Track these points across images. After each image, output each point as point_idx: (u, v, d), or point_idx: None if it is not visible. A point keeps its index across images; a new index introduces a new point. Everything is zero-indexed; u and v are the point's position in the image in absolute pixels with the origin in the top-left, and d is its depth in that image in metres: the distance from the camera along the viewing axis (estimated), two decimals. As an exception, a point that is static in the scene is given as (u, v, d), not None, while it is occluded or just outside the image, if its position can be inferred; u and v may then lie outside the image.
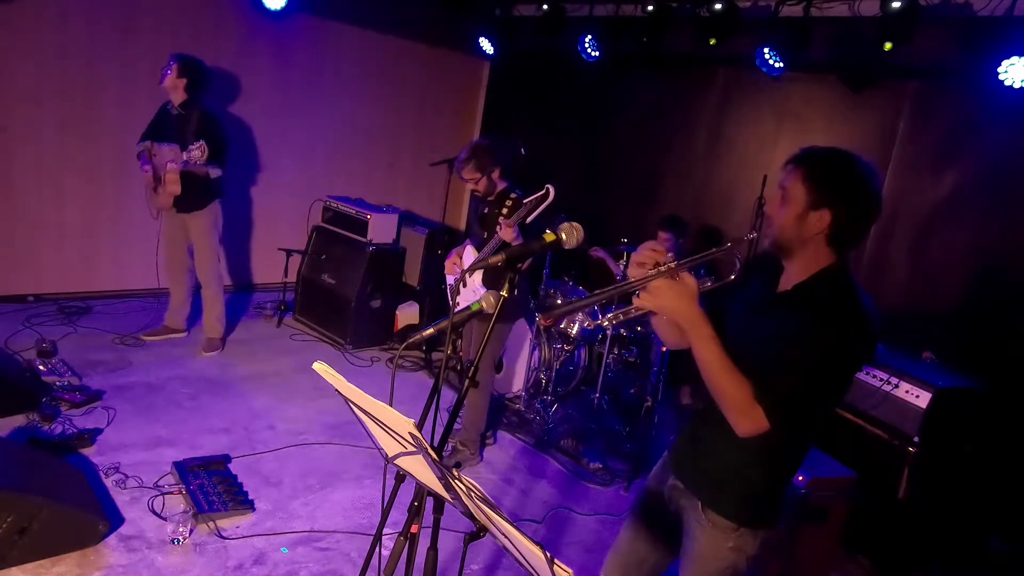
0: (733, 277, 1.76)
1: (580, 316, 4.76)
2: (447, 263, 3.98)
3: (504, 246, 3.50)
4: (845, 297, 1.69)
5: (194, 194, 4.57)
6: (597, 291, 1.70)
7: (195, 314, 5.10)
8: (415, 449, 1.46)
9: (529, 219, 3.45)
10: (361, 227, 5.54)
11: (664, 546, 2.02)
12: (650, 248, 1.72)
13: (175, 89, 4.52)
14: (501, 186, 3.82)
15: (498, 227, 3.54)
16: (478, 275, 3.75)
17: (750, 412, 1.62)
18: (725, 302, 1.87)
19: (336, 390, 1.57)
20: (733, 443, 1.74)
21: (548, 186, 3.40)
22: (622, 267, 4.84)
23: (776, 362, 1.63)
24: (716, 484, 1.83)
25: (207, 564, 2.86)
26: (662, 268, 1.68)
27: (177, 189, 4.50)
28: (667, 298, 1.66)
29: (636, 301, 1.70)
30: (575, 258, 4.96)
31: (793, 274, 1.77)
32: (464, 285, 3.80)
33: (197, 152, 4.29)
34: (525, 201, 3.42)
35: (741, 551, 1.81)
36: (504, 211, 3.68)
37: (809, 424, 1.79)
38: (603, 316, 1.82)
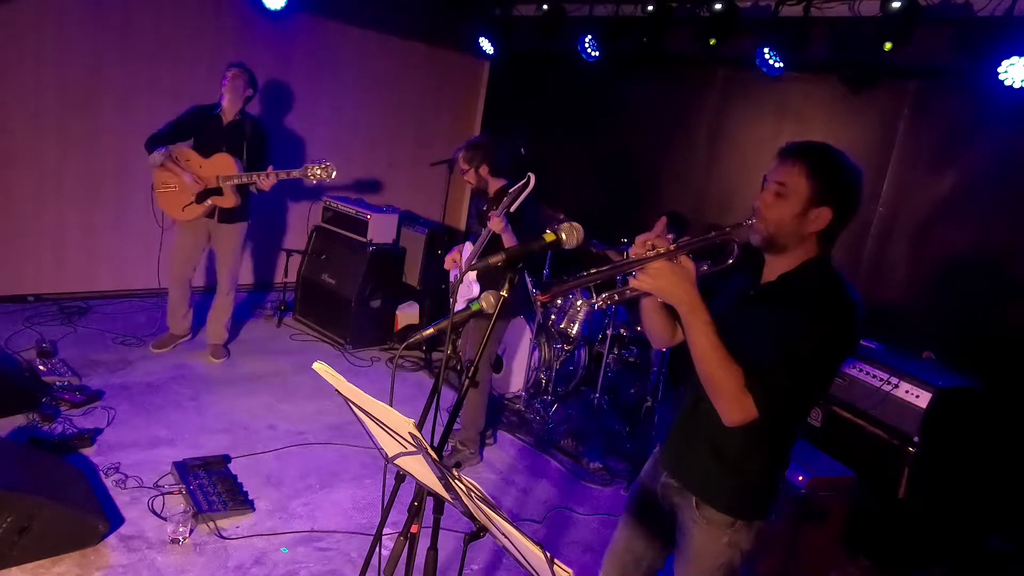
0: (731, 262, 1.74)
1: (582, 316, 4.76)
2: (447, 259, 4.00)
3: (495, 238, 3.53)
4: (834, 288, 1.70)
5: (242, 204, 4.55)
6: (594, 269, 1.67)
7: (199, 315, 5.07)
8: (415, 449, 1.46)
9: (513, 208, 3.45)
10: (361, 227, 5.54)
11: (660, 543, 2.03)
12: (654, 233, 1.70)
13: (238, 97, 4.43)
14: (498, 184, 3.84)
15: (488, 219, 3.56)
16: (474, 273, 3.76)
17: (741, 401, 1.62)
18: (711, 292, 1.86)
19: (336, 390, 1.57)
20: (724, 437, 1.74)
21: (529, 173, 3.42)
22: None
23: (768, 353, 1.62)
24: (709, 479, 1.83)
25: (207, 564, 2.86)
26: (661, 250, 1.66)
27: (237, 202, 4.47)
28: (666, 280, 1.63)
29: (633, 282, 1.67)
30: (575, 258, 4.96)
31: (778, 266, 1.77)
32: (461, 282, 3.82)
33: (271, 179, 4.29)
34: (509, 191, 3.43)
35: (736, 546, 1.82)
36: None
37: (797, 414, 1.80)
38: (597, 296, 1.78)
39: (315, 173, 4.32)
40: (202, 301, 5.21)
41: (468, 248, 3.94)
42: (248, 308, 6.02)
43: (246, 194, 4.56)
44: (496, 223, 3.43)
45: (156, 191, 4.52)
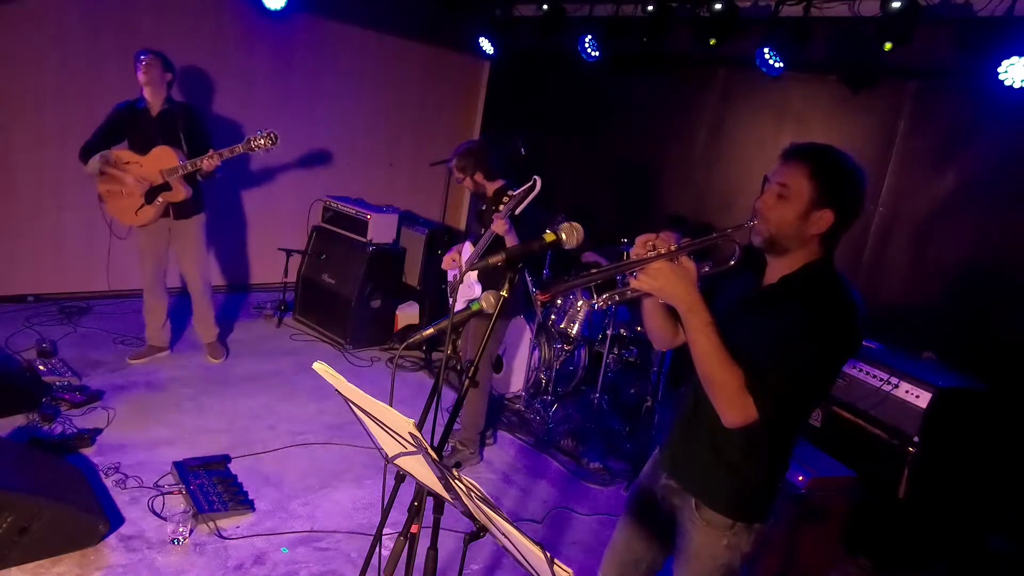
0: (732, 263, 1.73)
1: (582, 316, 4.76)
2: (445, 258, 4.00)
3: (497, 240, 3.53)
4: (835, 290, 1.69)
5: (195, 196, 4.35)
6: (595, 269, 1.67)
7: (176, 324, 4.94)
8: (415, 449, 1.46)
9: (518, 210, 3.46)
10: (361, 227, 5.54)
11: (659, 544, 2.02)
12: (655, 234, 1.70)
13: (159, 85, 4.18)
14: (496, 185, 3.85)
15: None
16: (474, 273, 3.77)
17: (740, 402, 1.61)
18: (713, 293, 1.86)
19: (336, 390, 1.57)
20: (725, 439, 1.74)
21: (535, 177, 3.41)
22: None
23: (769, 355, 1.62)
24: (710, 481, 1.83)
25: (207, 564, 2.86)
26: (661, 251, 1.66)
27: (188, 194, 4.23)
28: (667, 280, 1.62)
29: (633, 282, 1.66)
30: (575, 259, 4.97)
31: (779, 268, 1.77)
32: (461, 282, 3.83)
33: (214, 160, 4.05)
34: (513, 193, 3.44)
35: (735, 549, 1.81)
36: (501, 208, 3.70)
37: (798, 416, 1.79)
38: (597, 296, 1.78)
39: (259, 144, 4.07)
40: (179, 303, 5.19)
41: (468, 248, 3.94)
42: (247, 307, 6.03)
43: (196, 185, 4.33)
44: (500, 225, 3.44)
45: (104, 201, 4.30)
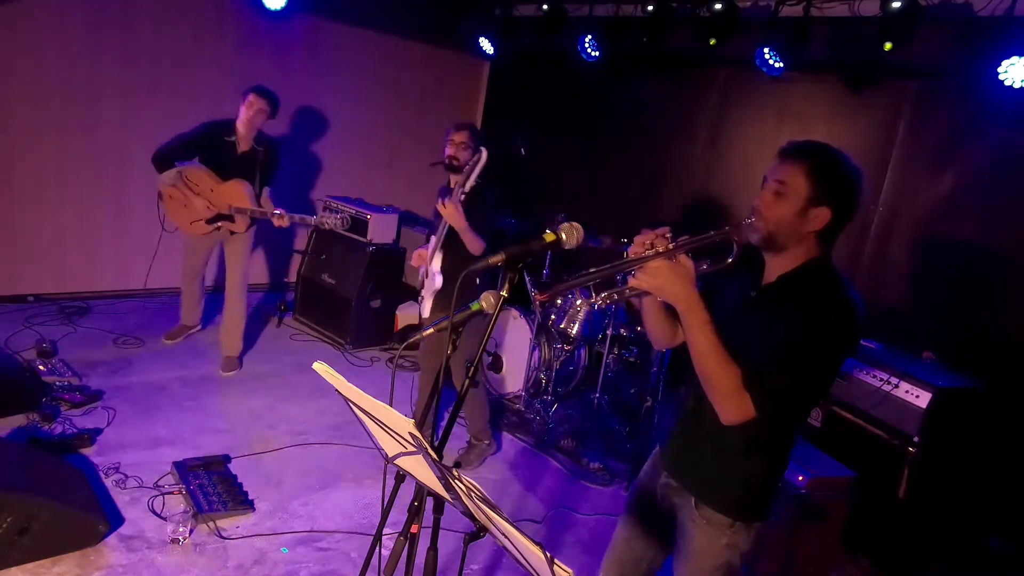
0: (731, 261, 1.73)
1: (582, 316, 4.76)
2: (414, 256, 3.95)
3: (451, 232, 3.50)
4: (833, 289, 1.70)
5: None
6: (593, 268, 1.66)
7: (208, 313, 5.08)
8: (415, 449, 1.46)
9: (467, 185, 3.44)
10: (361, 227, 5.54)
11: (659, 543, 2.03)
12: (653, 233, 1.70)
13: (256, 128, 4.33)
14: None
15: (441, 206, 3.54)
16: (437, 263, 3.74)
17: (738, 399, 1.62)
18: (714, 293, 1.86)
19: (336, 390, 1.57)
20: (726, 438, 1.74)
21: (482, 147, 3.39)
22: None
23: (768, 353, 1.63)
24: (709, 480, 1.83)
25: (207, 564, 2.86)
26: (660, 249, 1.66)
27: (247, 226, 4.40)
28: (665, 279, 1.63)
29: (632, 281, 1.67)
30: (575, 259, 4.96)
31: (777, 267, 1.77)
32: (428, 276, 3.79)
33: (283, 221, 4.21)
34: (463, 170, 3.42)
35: (735, 547, 1.82)
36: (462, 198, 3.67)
37: (796, 415, 1.80)
38: (596, 295, 1.78)
39: (328, 223, 4.20)
40: (211, 300, 5.21)
41: (433, 242, 3.84)
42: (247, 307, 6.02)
43: None
44: (450, 209, 3.42)
45: (163, 201, 4.47)
